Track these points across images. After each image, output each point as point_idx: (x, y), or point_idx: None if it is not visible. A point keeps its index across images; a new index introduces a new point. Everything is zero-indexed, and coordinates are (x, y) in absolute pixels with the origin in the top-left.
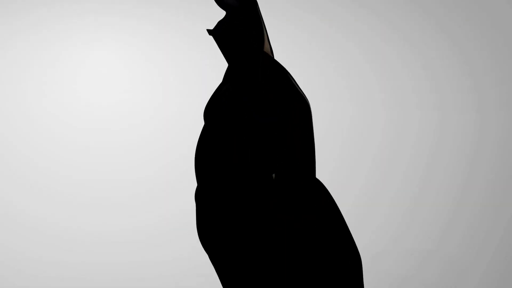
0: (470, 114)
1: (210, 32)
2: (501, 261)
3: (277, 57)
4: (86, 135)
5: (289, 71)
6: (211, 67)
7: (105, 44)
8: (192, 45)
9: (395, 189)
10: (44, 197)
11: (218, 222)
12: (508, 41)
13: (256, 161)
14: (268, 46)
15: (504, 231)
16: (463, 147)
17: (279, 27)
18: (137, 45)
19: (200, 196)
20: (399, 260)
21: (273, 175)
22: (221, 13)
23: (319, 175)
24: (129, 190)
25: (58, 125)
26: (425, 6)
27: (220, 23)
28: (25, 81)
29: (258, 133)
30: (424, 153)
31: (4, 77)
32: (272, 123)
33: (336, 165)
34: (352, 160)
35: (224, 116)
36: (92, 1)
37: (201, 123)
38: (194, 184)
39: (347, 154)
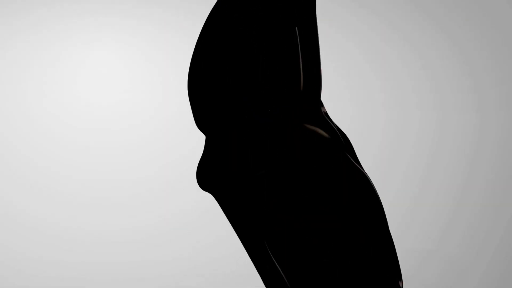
0: (470, 114)
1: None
2: (501, 261)
3: None
4: (86, 135)
5: None
6: None
7: (105, 44)
8: (192, 45)
9: (395, 189)
10: (44, 197)
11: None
12: (508, 41)
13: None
14: None
15: (504, 231)
16: (463, 147)
17: None
18: (137, 45)
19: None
20: (399, 260)
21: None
22: None
23: None
24: (129, 190)
25: (58, 125)
26: (425, 6)
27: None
28: (25, 81)
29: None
30: (424, 153)
31: (4, 77)
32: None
33: None
34: None
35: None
36: (92, 1)
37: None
38: (194, 184)
39: None
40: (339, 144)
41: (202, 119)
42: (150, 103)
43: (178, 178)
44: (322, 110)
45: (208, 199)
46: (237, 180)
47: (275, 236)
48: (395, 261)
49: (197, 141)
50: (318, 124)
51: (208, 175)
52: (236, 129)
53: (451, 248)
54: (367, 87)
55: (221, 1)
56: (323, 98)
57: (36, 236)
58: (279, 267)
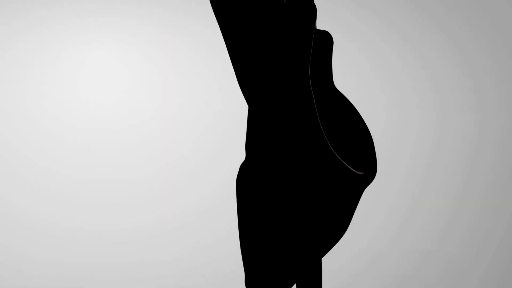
0: (470, 114)
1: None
2: (501, 261)
3: None
4: (86, 135)
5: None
6: (211, 67)
7: (105, 44)
8: (192, 45)
9: (395, 189)
10: (44, 197)
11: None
12: (508, 41)
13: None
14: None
15: (504, 231)
16: (463, 147)
17: None
18: (137, 45)
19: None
20: (399, 260)
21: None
22: None
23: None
24: (129, 190)
25: (58, 125)
26: (425, 6)
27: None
28: (25, 81)
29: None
30: (424, 153)
31: (4, 77)
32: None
33: None
34: None
35: None
36: (92, 1)
37: (201, 123)
38: (194, 184)
39: None
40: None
41: None
42: (150, 103)
43: (178, 178)
44: None
45: (208, 199)
46: None
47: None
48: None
49: (197, 141)
50: None
51: None
52: None
53: (451, 248)
54: (367, 87)
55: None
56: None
57: (36, 236)
58: None
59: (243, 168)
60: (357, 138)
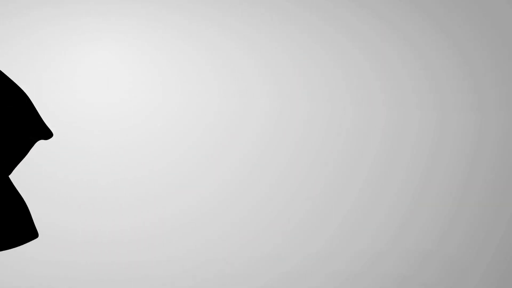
0: (470, 114)
1: None
2: (501, 261)
3: (278, 57)
4: (86, 135)
5: (289, 71)
6: (211, 67)
7: (105, 44)
8: (192, 45)
9: (395, 189)
10: (43, 197)
11: None
12: (508, 41)
13: None
14: None
15: (504, 231)
16: (463, 147)
17: (280, 26)
18: (137, 45)
19: None
20: (399, 260)
21: None
22: (224, 16)
23: (319, 176)
24: (129, 190)
25: (58, 125)
26: (425, 6)
27: None
28: (25, 81)
29: None
30: (424, 153)
31: None
32: None
33: (336, 166)
34: (352, 160)
35: None
36: (92, 1)
37: (201, 122)
38: (194, 184)
39: (347, 154)
40: None
41: None
42: (150, 103)
43: (178, 178)
44: None
45: (208, 199)
46: None
47: None
48: None
49: (197, 141)
50: None
51: None
52: None
53: (451, 248)
54: (367, 87)
55: None
56: (323, 98)
57: None
58: None
59: None
60: None
